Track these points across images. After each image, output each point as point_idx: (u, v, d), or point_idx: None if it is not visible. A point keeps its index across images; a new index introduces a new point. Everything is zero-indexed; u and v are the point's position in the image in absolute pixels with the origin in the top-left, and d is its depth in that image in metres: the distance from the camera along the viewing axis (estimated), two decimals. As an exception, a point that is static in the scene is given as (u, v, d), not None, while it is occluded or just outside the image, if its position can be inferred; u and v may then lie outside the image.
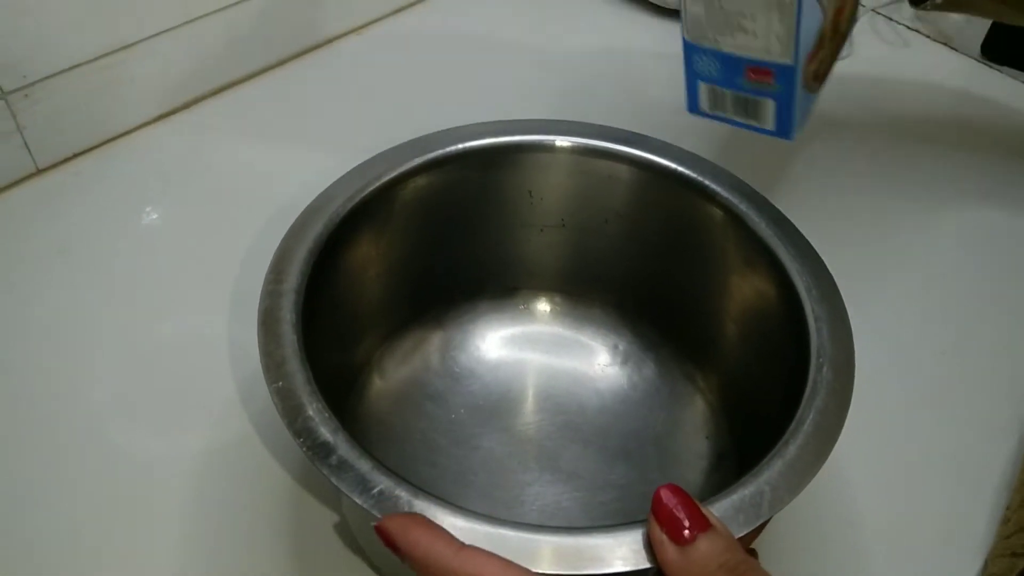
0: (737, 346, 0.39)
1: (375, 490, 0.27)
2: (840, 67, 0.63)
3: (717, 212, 0.38)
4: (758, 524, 0.27)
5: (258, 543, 0.36)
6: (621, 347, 0.44)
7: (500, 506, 0.38)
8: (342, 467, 0.27)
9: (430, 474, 0.39)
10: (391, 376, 0.42)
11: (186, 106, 0.57)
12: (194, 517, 0.37)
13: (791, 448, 0.29)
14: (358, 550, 0.37)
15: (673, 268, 0.41)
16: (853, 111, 0.60)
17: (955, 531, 0.39)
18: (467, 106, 0.57)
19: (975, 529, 0.38)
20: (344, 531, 0.37)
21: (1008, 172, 0.57)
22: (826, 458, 0.29)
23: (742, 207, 0.37)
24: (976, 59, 0.65)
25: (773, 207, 0.37)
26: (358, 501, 0.26)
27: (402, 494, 0.27)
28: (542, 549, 0.26)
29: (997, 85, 0.63)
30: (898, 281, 0.49)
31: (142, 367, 0.43)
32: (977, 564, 0.37)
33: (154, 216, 0.50)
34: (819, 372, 0.31)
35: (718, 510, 0.27)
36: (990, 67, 0.65)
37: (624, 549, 0.26)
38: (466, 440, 0.40)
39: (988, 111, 0.61)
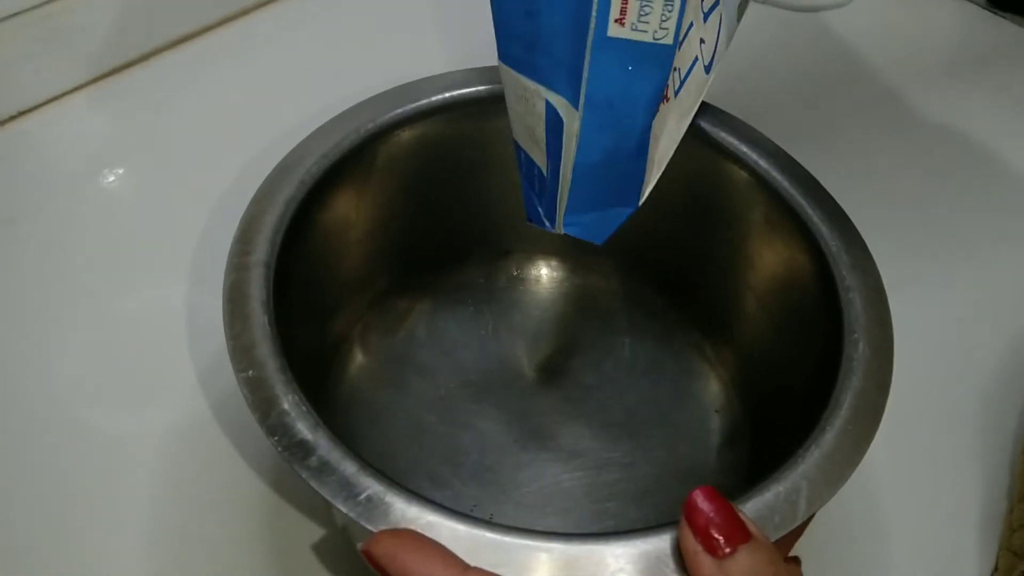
0: (754, 315, 0.36)
1: (362, 496, 0.23)
2: (840, 15, 0.60)
3: (735, 168, 0.34)
4: (795, 526, 0.24)
5: (231, 518, 0.34)
6: (623, 315, 0.41)
7: (496, 489, 0.36)
8: (323, 470, 0.24)
9: (417, 455, 0.36)
10: (373, 350, 0.39)
11: (142, 59, 0.52)
12: (163, 495, 0.35)
13: (828, 436, 0.26)
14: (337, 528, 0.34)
15: (680, 229, 0.37)
16: (854, 61, 0.57)
17: (988, 530, 0.36)
18: (449, 53, 0.53)
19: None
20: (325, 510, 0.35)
21: (1016, 123, 0.54)
22: (867, 447, 0.26)
23: (762, 163, 0.33)
24: (981, 6, 0.62)
25: (797, 164, 0.33)
26: (343, 509, 0.23)
27: (393, 500, 0.23)
28: (553, 561, 0.23)
29: (1002, 33, 0.61)
30: (927, 247, 0.46)
31: (102, 343, 0.40)
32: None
33: (110, 180, 0.46)
34: (854, 349, 0.28)
35: (750, 510, 0.24)
36: (996, 14, 0.62)
37: (644, 561, 0.23)
38: (456, 418, 0.37)
39: (993, 59, 0.58)
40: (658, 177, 0.28)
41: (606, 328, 0.40)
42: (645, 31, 0.24)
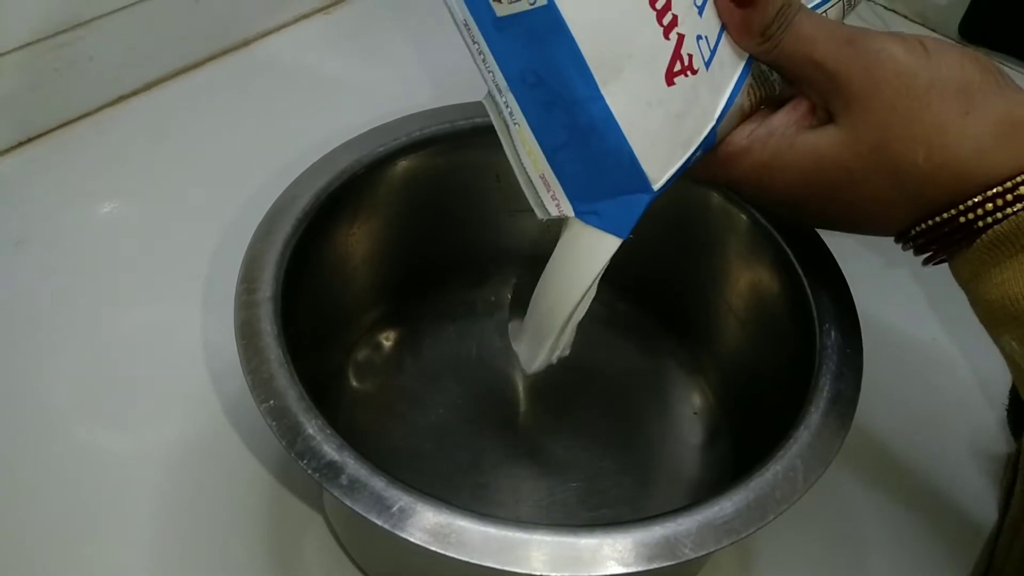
0: (727, 322, 0.38)
1: (394, 508, 0.25)
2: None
3: (709, 193, 0.37)
4: (795, 500, 0.26)
5: (235, 538, 0.35)
6: (602, 330, 0.42)
7: (494, 506, 0.37)
8: (354, 487, 0.25)
9: (416, 481, 0.36)
10: (365, 380, 0.40)
11: (147, 88, 0.53)
12: (167, 515, 0.35)
13: (814, 417, 0.28)
14: (339, 543, 0.35)
15: (658, 248, 0.39)
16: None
17: (957, 531, 0.38)
18: (435, 89, 0.55)
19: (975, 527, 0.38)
20: (325, 524, 0.35)
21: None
22: (850, 424, 0.28)
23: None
24: (954, 39, 0.65)
25: None
26: (377, 522, 0.24)
27: (424, 510, 0.25)
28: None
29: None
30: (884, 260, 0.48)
31: (107, 362, 0.40)
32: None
33: (116, 203, 0.47)
34: (826, 337, 0.30)
35: (753, 489, 0.26)
36: (967, 47, 0.65)
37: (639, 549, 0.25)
38: (449, 441, 0.38)
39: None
40: (684, 158, 0.27)
41: (586, 343, 0.42)
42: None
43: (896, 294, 0.47)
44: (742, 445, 0.37)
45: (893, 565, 0.37)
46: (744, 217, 0.35)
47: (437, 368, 0.41)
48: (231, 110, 0.53)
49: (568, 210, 0.27)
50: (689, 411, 0.40)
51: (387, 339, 0.41)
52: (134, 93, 0.53)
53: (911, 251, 0.28)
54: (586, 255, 0.28)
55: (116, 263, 0.44)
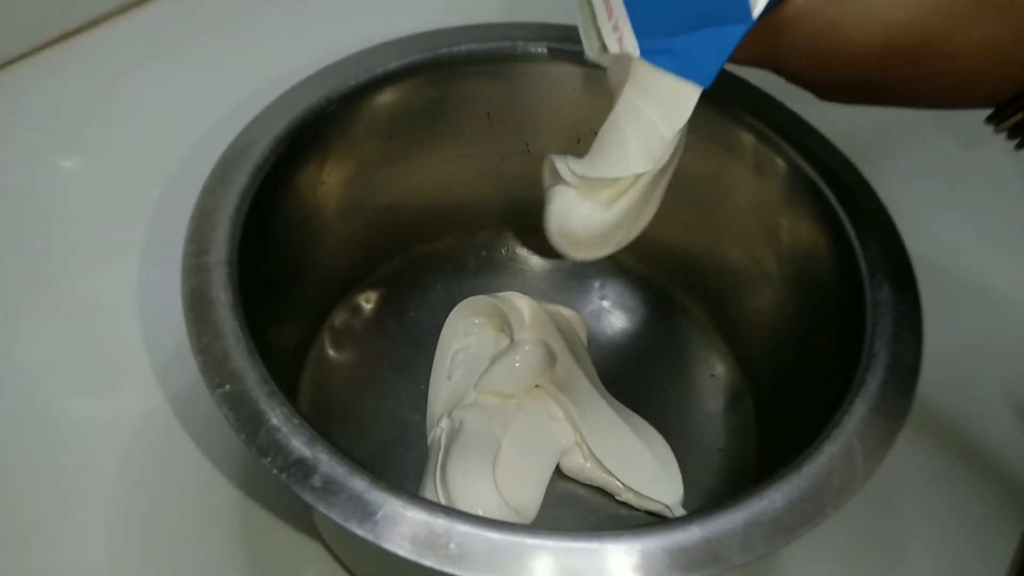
0: (757, 277, 0.34)
1: (378, 515, 0.20)
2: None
3: (740, 131, 0.32)
4: (856, 488, 0.22)
5: (207, 508, 0.32)
6: (605, 288, 0.38)
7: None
8: (329, 489, 0.21)
9: (404, 456, 0.33)
10: (345, 350, 0.36)
11: (91, 25, 0.49)
12: (131, 482, 0.33)
13: (872, 387, 0.24)
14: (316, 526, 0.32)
15: (673, 193, 0.35)
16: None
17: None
18: (412, 14, 0.50)
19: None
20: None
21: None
22: (913, 394, 0.24)
23: (768, 127, 0.31)
24: None
25: (802, 120, 0.32)
26: (358, 532, 0.20)
27: (415, 515, 0.21)
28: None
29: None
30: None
31: (62, 326, 0.37)
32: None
33: (61, 154, 0.43)
34: (878, 292, 0.26)
35: (805, 475, 0.22)
36: None
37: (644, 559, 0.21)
38: (441, 413, 0.34)
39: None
40: None
41: (588, 301, 0.38)
42: None
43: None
44: (763, 409, 0.34)
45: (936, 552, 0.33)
46: (780, 161, 0.31)
47: (424, 331, 0.37)
48: (186, 46, 0.49)
49: (632, 47, 0.21)
50: (707, 373, 0.36)
51: (367, 301, 0.37)
52: (78, 30, 0.48)
53: (1004, 134, 0.24)
54: (656, 114, 0.22)
55: (60, 221, 0.40)
